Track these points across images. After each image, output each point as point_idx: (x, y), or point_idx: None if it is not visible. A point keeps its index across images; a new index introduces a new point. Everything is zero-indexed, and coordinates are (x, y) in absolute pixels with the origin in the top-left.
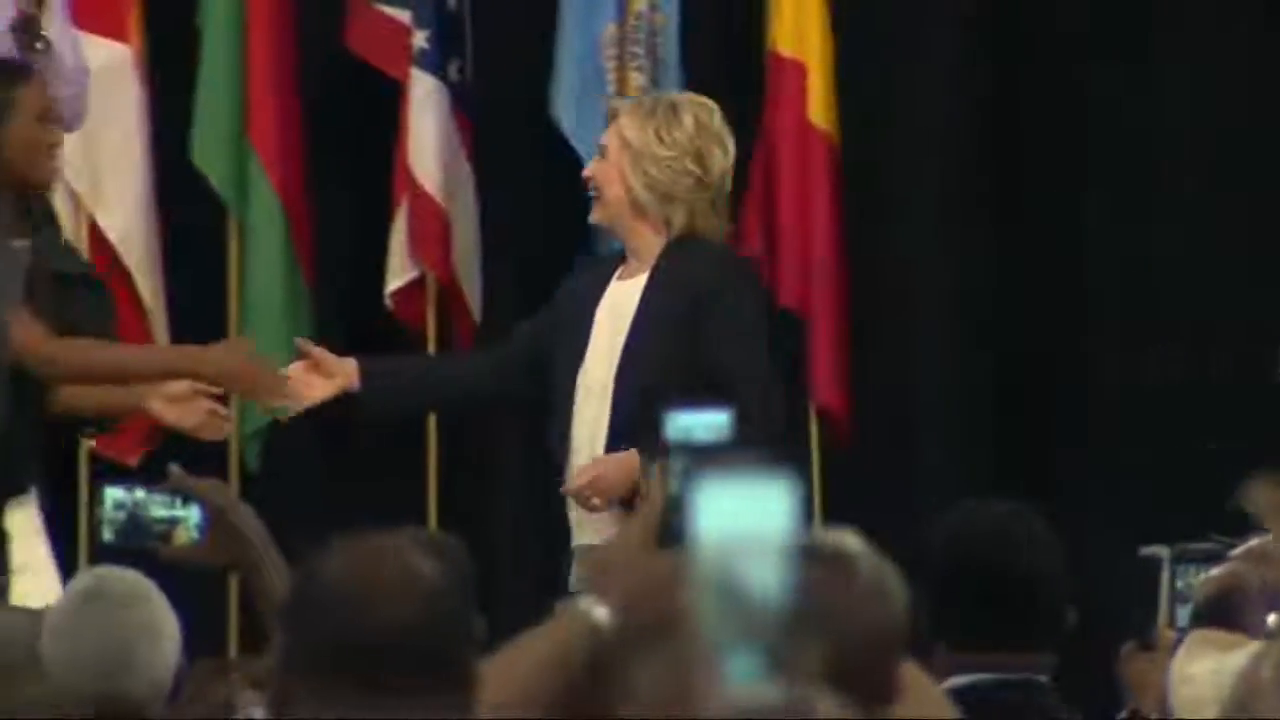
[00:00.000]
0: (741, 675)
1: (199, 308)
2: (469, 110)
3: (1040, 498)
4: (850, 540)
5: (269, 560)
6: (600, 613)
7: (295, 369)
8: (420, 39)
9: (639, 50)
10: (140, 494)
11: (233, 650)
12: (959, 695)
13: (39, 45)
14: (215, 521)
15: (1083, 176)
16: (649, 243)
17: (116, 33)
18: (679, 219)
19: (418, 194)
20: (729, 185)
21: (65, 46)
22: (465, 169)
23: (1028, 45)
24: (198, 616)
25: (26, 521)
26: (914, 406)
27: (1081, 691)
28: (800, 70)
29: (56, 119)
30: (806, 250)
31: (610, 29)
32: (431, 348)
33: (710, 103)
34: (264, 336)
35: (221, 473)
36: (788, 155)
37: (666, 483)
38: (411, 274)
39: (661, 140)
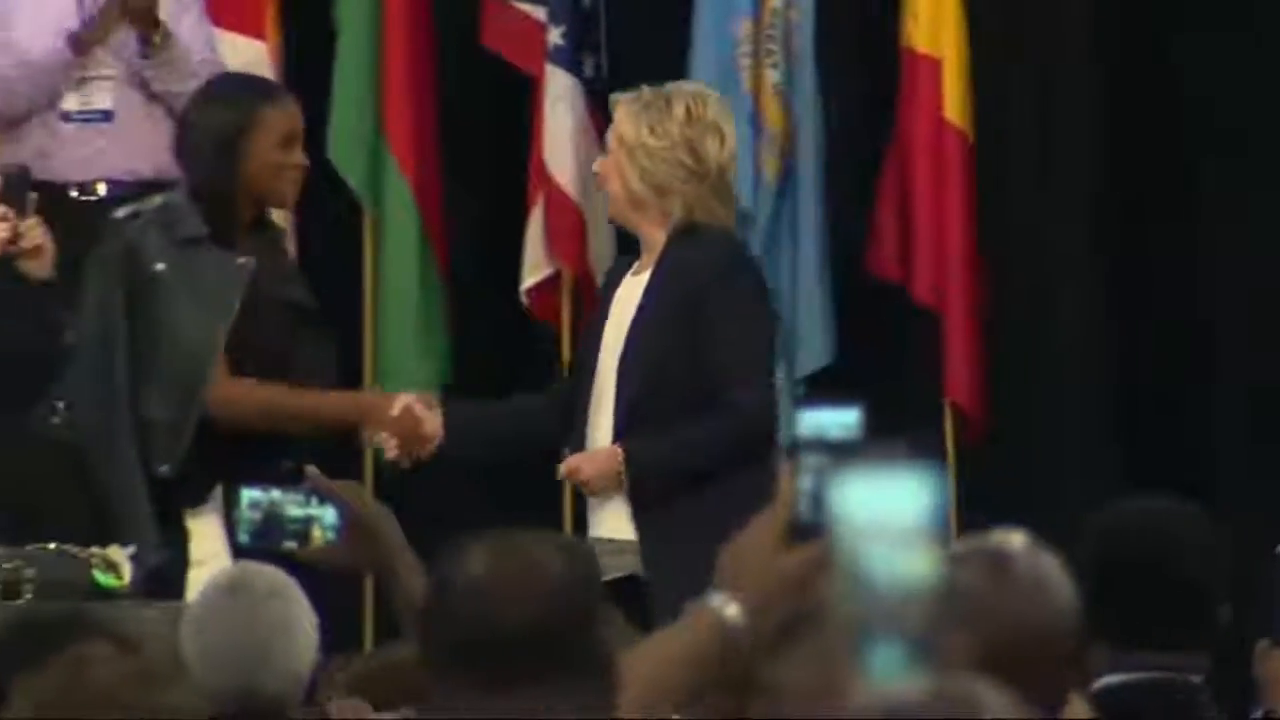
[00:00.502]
0: (886, 669)
1: (334, 305)
2: (604, 106)
3: (1176, 495)
4: (1014, 539)
5: (404, 561)
6: (732, 611)
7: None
8: (555, 35)
9: (774, 47)
10: (276, 494)
11: (369, 646)
12: (1112, 694)
13: (156, 39)
14: (351, 522)
15: (1217, 173)
16: (654, 236)
17: (254, 30)
18: (677, 211)
19: (553, 190)
20: (733, 175)
21: (199, 43)
22: None
23: (1158, 42)
24: (335, 612)
25: (209, 525)
26: (1048, 403)
27: (1221, 691)
28: (935, 66)
29: (297, 141)
30: (941, 246)
31: (745, 25)
32: (566, 344)
33: (708, 92)
34: (399, 334)
35: (357, 470)
36: (922, 152)
37: (797, 479)
38: (547, 270)
39: (654, 133)
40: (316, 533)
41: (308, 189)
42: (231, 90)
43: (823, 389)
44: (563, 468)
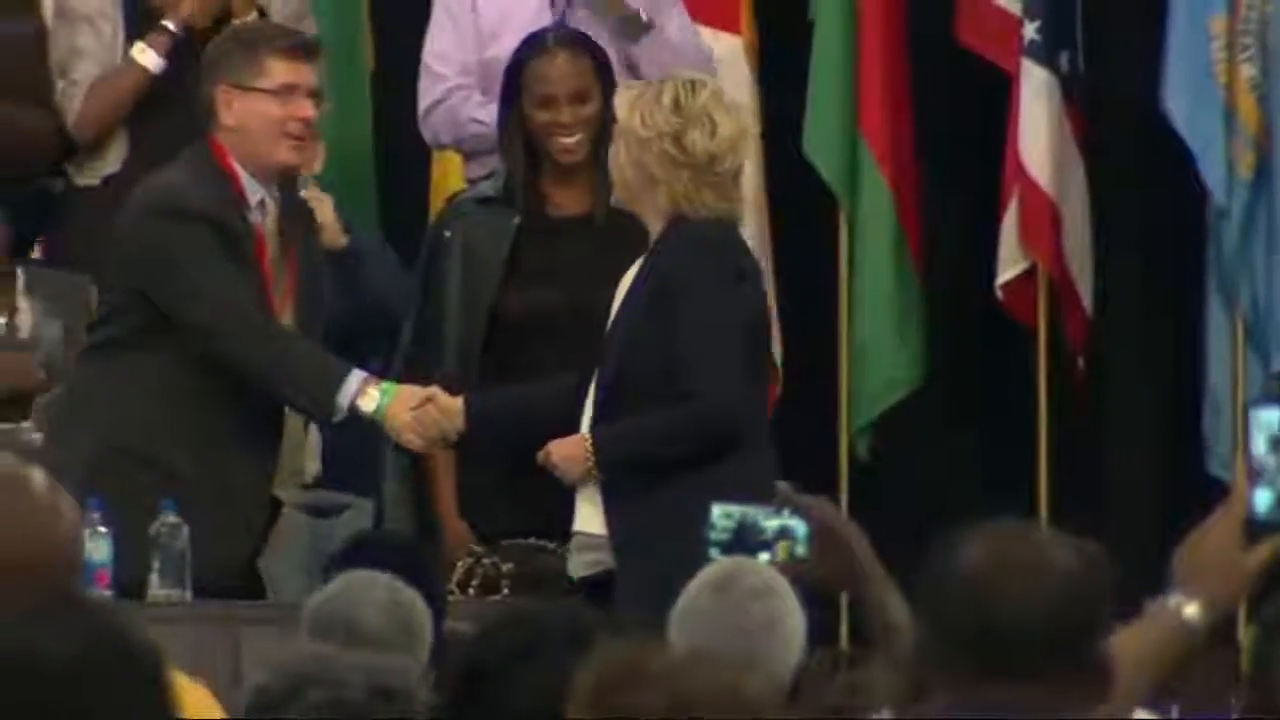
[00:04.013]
0: None
1: (809, 299)
2: (1080, 101)
3: None
4: None
5: (875, 575)
6: (1191, 610)
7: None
8: (1030, 30)
9: (1249, 41)
10: (749, 508)
11: (843, 642)
12: None
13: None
14: (821, 536)
15: None
16: (653, 225)
17: (730, 25)
18: (662, 201)
19: (1028, 185)
20: (729, 165)
21: (686, 38)
22: (1076, 161)
23: None
24: (809, 608)
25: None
26: None
27: None
28: None
29: (554, 102)
30: None
31: (1220, 20)
32: (1042, 341)
33: (704, 79)
34: (874, 328)
35: (831, 462)
36: None
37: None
38: (1022, 266)
39: (643, 122)
40: (788, 546)
41: (784, 183)
42: None
43: None
44: (539, 454)
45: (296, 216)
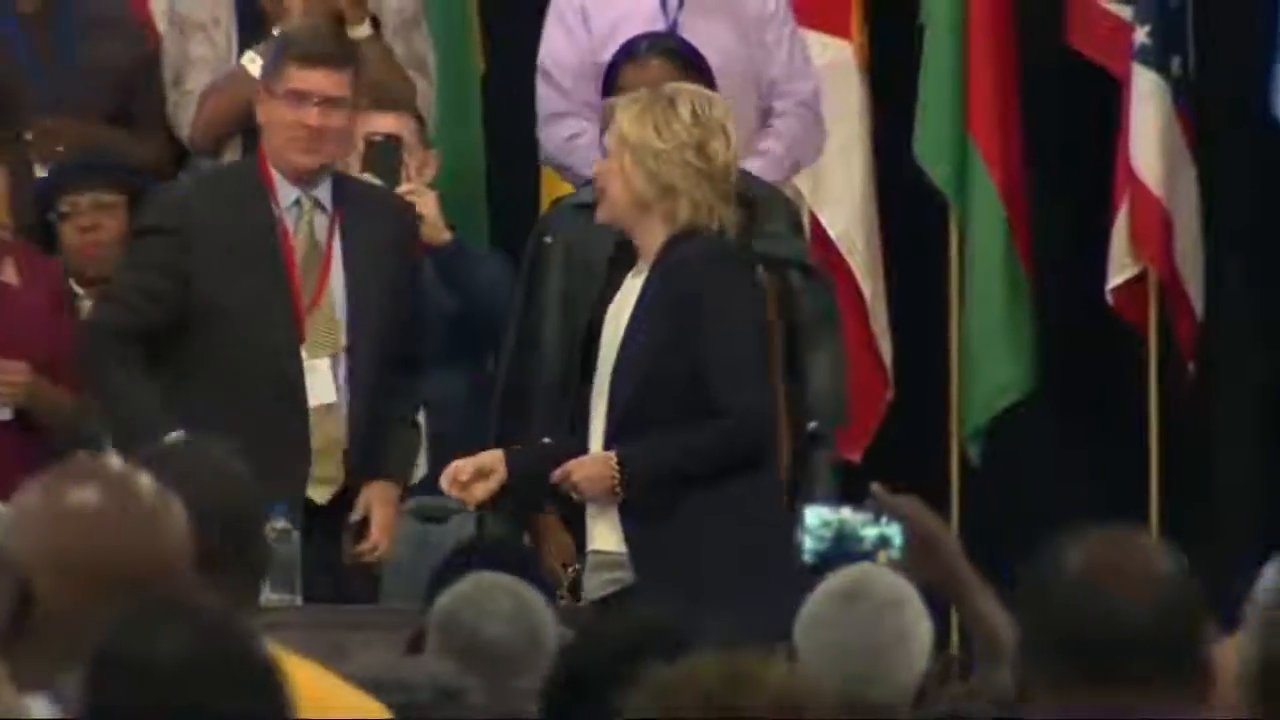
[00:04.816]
0: None
1: (919, 304)
2: (1190, 106)
3: None
4: None
5: (968, 577)
6: None
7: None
8: (1141, 34)
9: None
10: (845, 513)
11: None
12: None
13: None
14: (915, 538)
15: None
16: (654, 239)
17: (839, 30)
18: (683, 212)
19: (1139, 189)
20: (733, 178)
21: (799, 73)
22: (1188, 165)
23: None
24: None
25: None
26: None
27: None
28: None
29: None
30: None
31: None
32: (1152, 344)
33: (711, 94)
34: (985, 333)
35: (943, 468)
36: None
37: None
38: (1132, 270)
39: (659, 133)
40: (886, 555)
41: (895, 188)
42: None
43: None
44: (555, 474)
45: (365, 217)
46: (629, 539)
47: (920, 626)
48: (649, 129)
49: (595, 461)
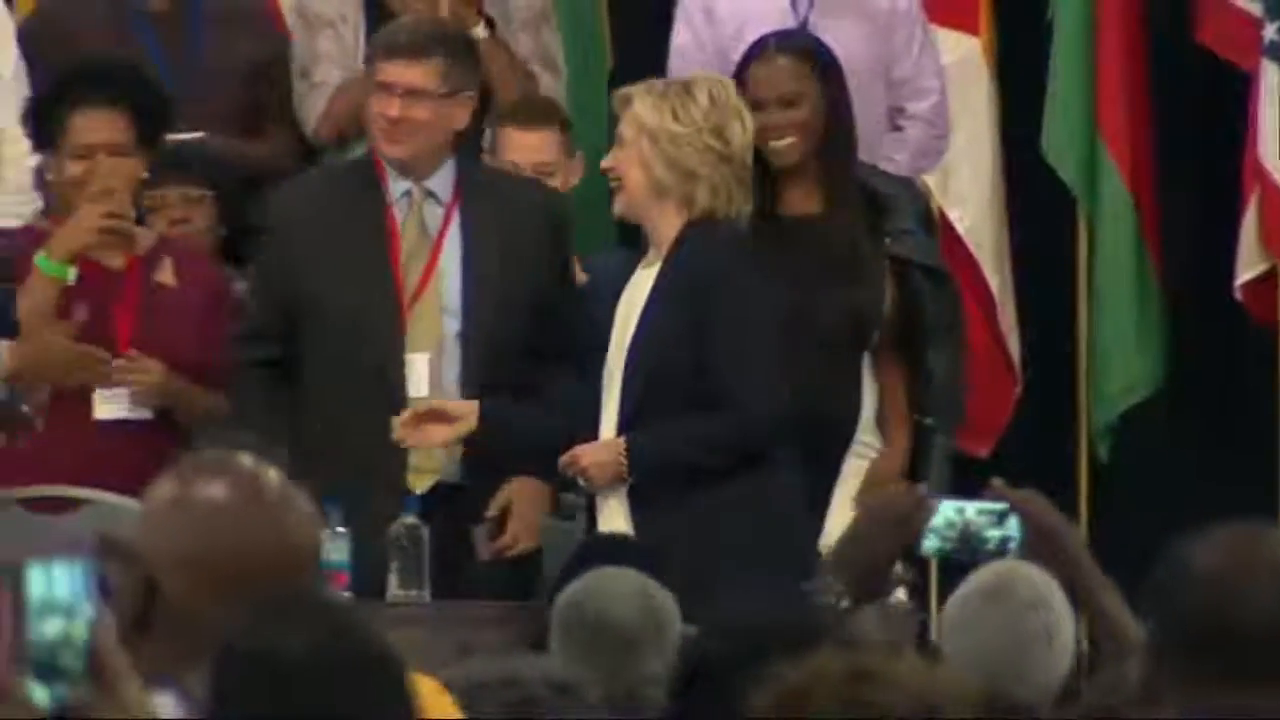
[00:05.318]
0: None
1: (1046, 301)
2: None
3: None
4: None
5: (1090, 572)
6: None
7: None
8: (1271, 31)
9: None
10: (971, 511)
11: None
12: None
13: None
14: (1035, 533)
15: None
16: (670, 227)
17: (968, 25)
18: (702, 197)
19: (1268, 185)
20: (749, 164)
21: (929, 72)
22: None
23: None
24: None
25: None
26: None
27: None
28: None
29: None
30: None
31: None
32: None
33: (724, 79)
34: (1113, 332)
35: (1072, 465)
36: None
37: None
38: (1261, 267)
39: (678, 118)
40: (1006, 553)
41: (1023, 184)
42: None
43: None
44: (563, 459)
45: (493, 205)
46: (637, 526)
47: (1064, 626)
48: (667, 114)
49: (604, 447)
